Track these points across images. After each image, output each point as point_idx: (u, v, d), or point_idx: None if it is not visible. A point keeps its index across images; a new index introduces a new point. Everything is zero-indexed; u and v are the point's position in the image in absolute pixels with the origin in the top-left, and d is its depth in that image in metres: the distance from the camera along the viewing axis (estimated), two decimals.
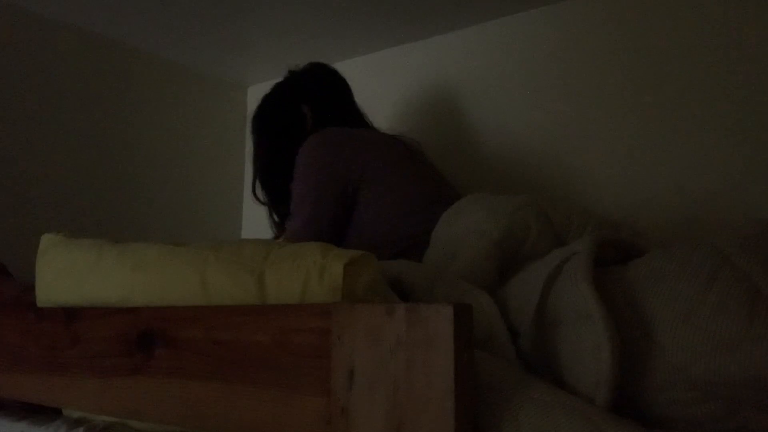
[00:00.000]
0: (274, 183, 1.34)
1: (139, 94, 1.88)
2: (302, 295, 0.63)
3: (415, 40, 1.81)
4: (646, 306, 0.64)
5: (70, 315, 0.78)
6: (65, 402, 0.80)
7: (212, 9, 1.62)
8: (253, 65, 2.01)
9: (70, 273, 0.82)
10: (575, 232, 0.94)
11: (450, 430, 0.46)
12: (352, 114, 1.39)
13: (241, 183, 2.16)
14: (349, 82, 1.93)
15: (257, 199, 1.41)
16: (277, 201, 1.36)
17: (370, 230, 1.17)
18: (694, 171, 1.38)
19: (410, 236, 1.13)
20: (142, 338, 0.68)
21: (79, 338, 0.76)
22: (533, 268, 0.79)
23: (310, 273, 0.63)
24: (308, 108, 1.34)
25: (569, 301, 0.67)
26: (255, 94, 2.18)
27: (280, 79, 2.10)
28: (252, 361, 0.59)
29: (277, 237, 1.39)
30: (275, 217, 1.40)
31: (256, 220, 2.10)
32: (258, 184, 1.40)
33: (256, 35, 1.78)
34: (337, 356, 0.53)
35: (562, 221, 0.95)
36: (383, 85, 1.86)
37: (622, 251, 0.78)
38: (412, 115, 1.81)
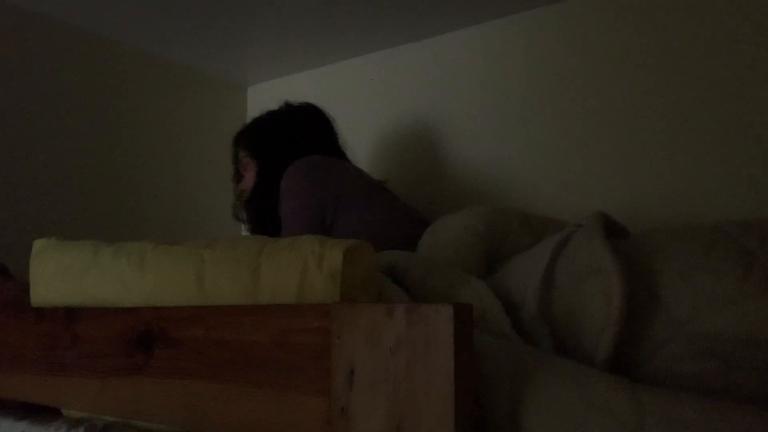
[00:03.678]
0: (265, 205, 1.38)
1: (139, 94, 1.88)
2: (300, 283, 0.63)
3: (415, 40, 1.81)
4: (650, 266, 0.68)
5: (70, 315, 0.78)
6: (65, 402, 0.80)
7: (212, 9, 1.62)
8: (253, 65, 2.01)
9: (66, 273, 0.82)
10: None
11: (450, 430, 0.46)
12: (334, 150, 1.46)
13: None
14: (349, 82, 1.94)
15: (239, 218, 1.48)
16: (263, 222, 1.39)
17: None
18: (696, 172, 1.38)
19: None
20: (142, 338, 0.68)
21: (79, 338, 0.76)
22: (532, 251, 0.83)
23: (308, 261, 0.63)
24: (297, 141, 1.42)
25: (581, 260, 0.71)
26: (255, 94, 2.18)
27: (280, 78, 2.11)
28: (252, 361, 0.59)
29: None
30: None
31: None
32: (242, 205, 1.46)
33: (256, 35, 1.78)
34: (337, 356, 0.53)
35: (540, 227, 0.99)
36: (383, 85, 1.86)
37: (618, 233, 0.82)
38: (411, 114, 1.81)
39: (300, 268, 0.64)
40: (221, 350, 0.61)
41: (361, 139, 1.85)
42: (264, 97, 2.15)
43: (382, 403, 0.49)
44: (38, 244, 0.88)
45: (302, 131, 1.44)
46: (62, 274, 0.83)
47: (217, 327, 0.62)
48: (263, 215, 1.37)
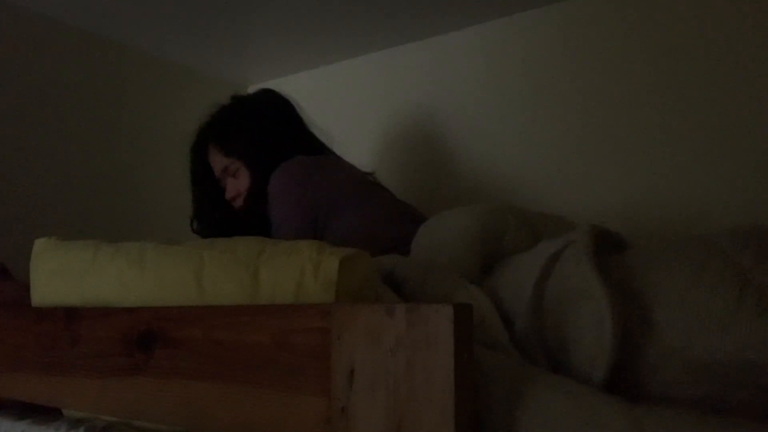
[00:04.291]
0: (259, 211, 1.31)
1: (139, 94, 1.88)
2: (297, 290, 0.63)
3: (415, 40, 1.81)
4: (642, 289, 0.66)
5: (70, 315, 0.78)
6: (65, 402, 0.80)
7: (212, 8, 1.62)
8: (253, 65, 2.01)
9: (66, 273, 0.82)
10: (551, 235, 0.96)
11: (450, 430, 0.46)
12: (306, 140, 1.40)
13: None
14: (349, 83, 1.94)
15: (196, 231, 1.41)
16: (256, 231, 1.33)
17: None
18: (696, 172, 1.38)
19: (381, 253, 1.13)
20: (142, 338, 0.68)
21: (79, 338, 0.76)
22: (525, 258, 0.81)
23: (305, 268, 0.63)
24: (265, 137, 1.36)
25: (571, 282, 0.69)
26: None
27: (280, 78, 2.09)
28: (252, 361, 0.59)
29: None
30: None
31: None
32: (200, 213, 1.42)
33: (256, 35, 1.78)
34: (337, 356, 0.53)
35: (538, 225, 0.97)
36: (383, 85, 1.86)
37: (613, 244, 0.81)
38: (411, 114, 1.81)
39: (297, 275, 0.63)
40: (221, 350, 0.61)
41: (360, 139, 1.85)
42: None
43: (382, 403, 0.49)
44: (39, 244, 0.88)
45: (284, 126, 1.38)
46: (62, 274, 0.83)
47: (217, 327, 0.62)
48: (257, 223, 1.31)
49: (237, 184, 1.37)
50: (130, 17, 1.67)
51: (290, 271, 0.64)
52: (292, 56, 1.92)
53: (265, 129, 1.36)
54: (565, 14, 1.57)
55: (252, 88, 2.19)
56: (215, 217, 1.41)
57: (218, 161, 1.38)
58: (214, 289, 0.68)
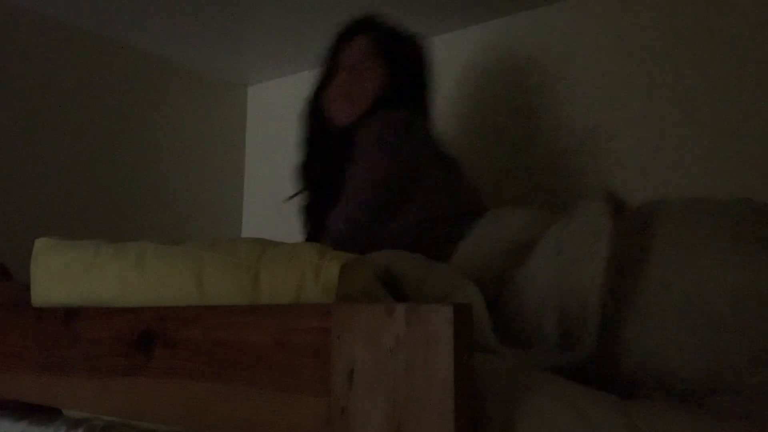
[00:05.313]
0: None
1: (139, 94, 1.88)
2: (297, 293, 0.63)
3: None
4: (644, 230, 0.74)
5: (69, 315, 0.78)
6: (65, 402, 0.80)
7: (212, 9, 1.62)
8: (253, 65, 2.01)
9: (66, 273, 0.82)
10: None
11: (450, 430, 0.46)
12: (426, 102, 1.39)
13: (241, 183, 2.16)
14: None
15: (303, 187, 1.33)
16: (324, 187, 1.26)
17: (413, 229, 1.11)
18: (698, 175, 1.38)
19: (444, 239, 1.08)
20: (142, 338, 0.68)
21: (78, 338, 0.76)
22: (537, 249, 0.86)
23: (306, 273, 0.63)
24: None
25: (583, 227, 0.76)
26: (255, 94, 2.18)
27: (280, 78, 2.07)
28: (252, 361, 0.59)
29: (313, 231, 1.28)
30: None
31: (256, 221, 2.10)
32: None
33: (256, 35, 1.78)
34: (337, 356, 0.53)
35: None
36: None
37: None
38: None
39: (297, 279, 0.63)
40: (221, 350, 0.61)
41: None
42: (264, 97, 2.15)
43: (382, 403, 0.49)
44: (39, 244, 0.88)
45: (422, 79, 1.38)
46: (62, 274, 0.83)
47: (217, 327, 0.62)
48: (341, 149, 1.21)
49: (358, 85, 1.30)
50: (130, 17, 1.67)
51: (291, 275, 0.64)
52: (292, 56, 1.92)
53: (411, 67, 1.37)
54: (565, 14, 1.57)
55: (252, 89, 2.19)
56: (316, 120, 1.34)
57: (366, 53, 1.32)
58: (214, 290, 0.68)
